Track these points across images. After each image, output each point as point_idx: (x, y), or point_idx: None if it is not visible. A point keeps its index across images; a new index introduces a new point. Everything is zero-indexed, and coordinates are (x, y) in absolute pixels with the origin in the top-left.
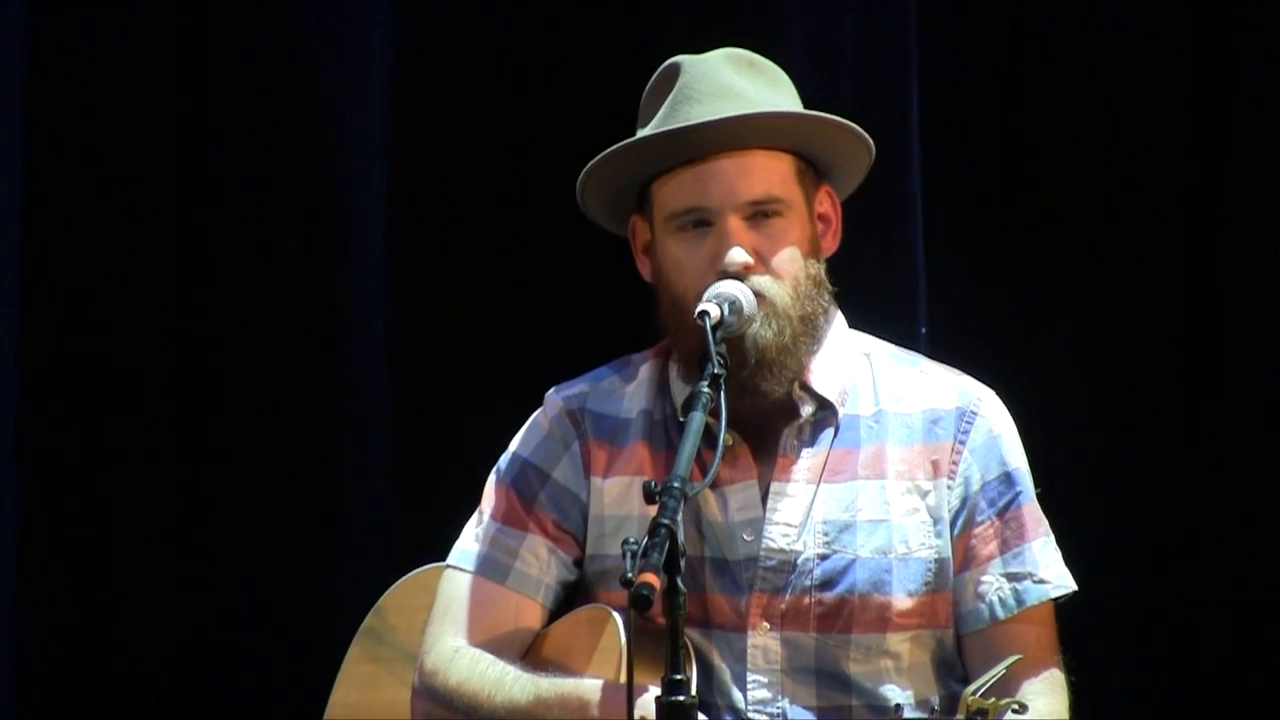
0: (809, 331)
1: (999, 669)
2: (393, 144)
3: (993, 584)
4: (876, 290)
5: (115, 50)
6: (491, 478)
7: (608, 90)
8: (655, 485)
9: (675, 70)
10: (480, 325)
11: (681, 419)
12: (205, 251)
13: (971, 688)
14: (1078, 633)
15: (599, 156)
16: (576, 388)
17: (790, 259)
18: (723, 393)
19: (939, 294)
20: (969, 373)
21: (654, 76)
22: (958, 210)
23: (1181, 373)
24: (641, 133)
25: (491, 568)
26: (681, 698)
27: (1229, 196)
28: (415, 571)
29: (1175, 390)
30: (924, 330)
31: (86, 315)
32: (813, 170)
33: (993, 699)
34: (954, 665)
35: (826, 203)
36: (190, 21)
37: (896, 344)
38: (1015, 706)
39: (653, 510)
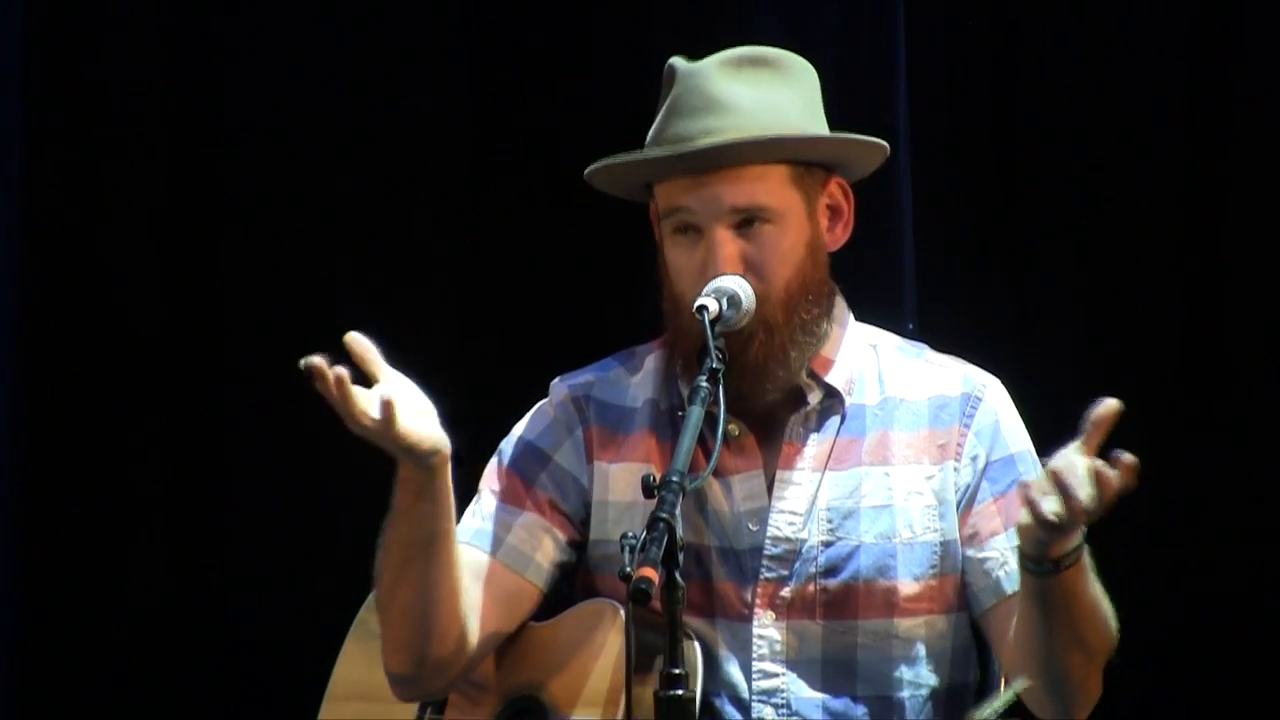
0: (803, 336)
1: (1009, 694)
2: (376, 141)
3: (999, 559)
4: (864, 285)
5: (113, 46)
6: (493, 460)
7: (589, 86)
8: (654, 479)
9: (671, 76)
10: (472, 324)
11: (681, 413)
12: (204, 245)
13: (979, 715)
14: None
15: (594, 166)
16: (582, 377)
17: (781, 265)
18: (721, 386)
19: (927, 290)
20: None
21: (663, 76)
22: (946, 204)
23: (1177, 367)
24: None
25: (483, 539)
26: (680, 691)
27: (1225, 188)
28: None
29: (1170, 385)
30: (911, 325)
31: (85, 311)
32: (819, 168)
33: None
34: (971, 650)
35: (837, 194)
36: (188, 19)
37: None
38: None
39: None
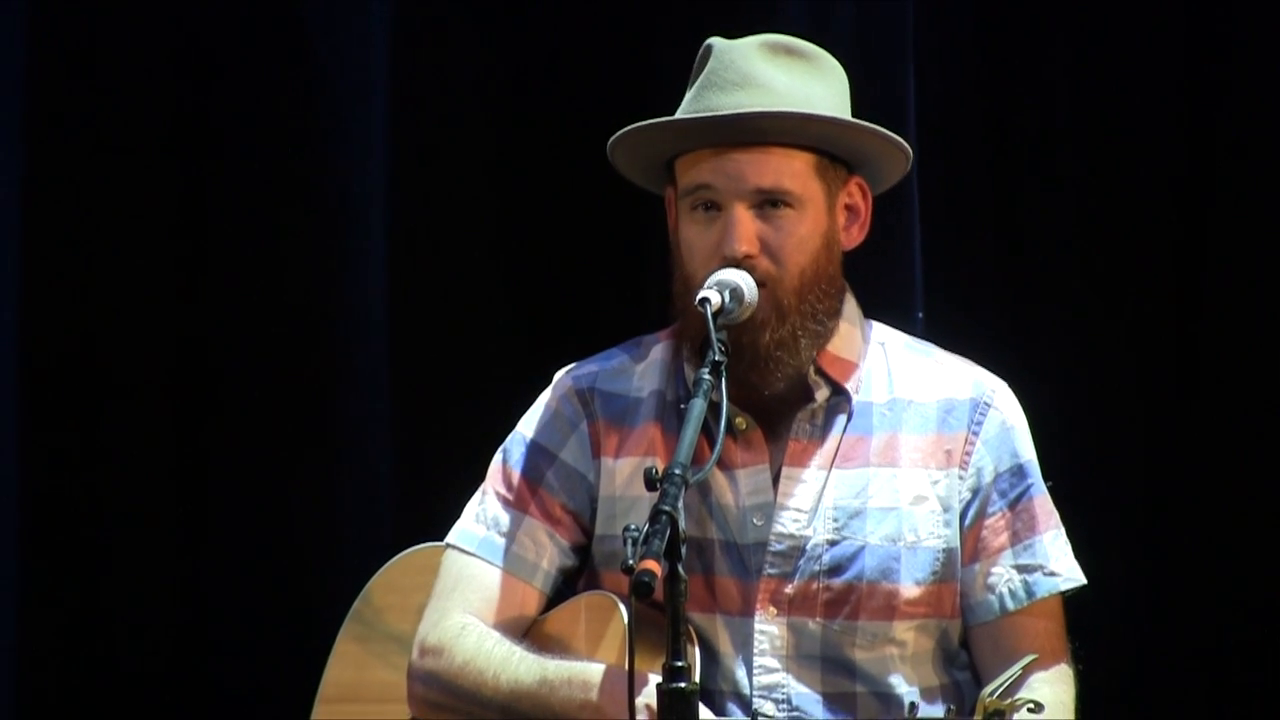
0: (813, 326)
1: (1015, 670)
2: (390, 135)
3: (1003, 575)
4: (874, 275)
5: (116, 45)
6: (497, 457)
7: (605, 79)
8: (656, 472)
9: (708, 53)
10: (477, 313)
11: (683, 406)
12: (204, 245)
13: (989, 689)
14: (1073, 617)
15: (623, 131)
16: (586, 368)
17: (797, 251)
18: (724, 379)
19: (936, 280)
20: (966, 357)
21: (697, 56)
22: (954, 196)
23: (1178, 357)
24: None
25: (491, 550)
26: (683, 684)
27: (1221, 182)
28: (404, 553)
29: (1172, 374)
30: (920, 315)
31: (86, 313)
32: (841, 164)
33: (1009, 700)
34: (955, 655)
35: (857, 194)
36: (190, 16)
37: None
38: (1030, 705)
39: None
